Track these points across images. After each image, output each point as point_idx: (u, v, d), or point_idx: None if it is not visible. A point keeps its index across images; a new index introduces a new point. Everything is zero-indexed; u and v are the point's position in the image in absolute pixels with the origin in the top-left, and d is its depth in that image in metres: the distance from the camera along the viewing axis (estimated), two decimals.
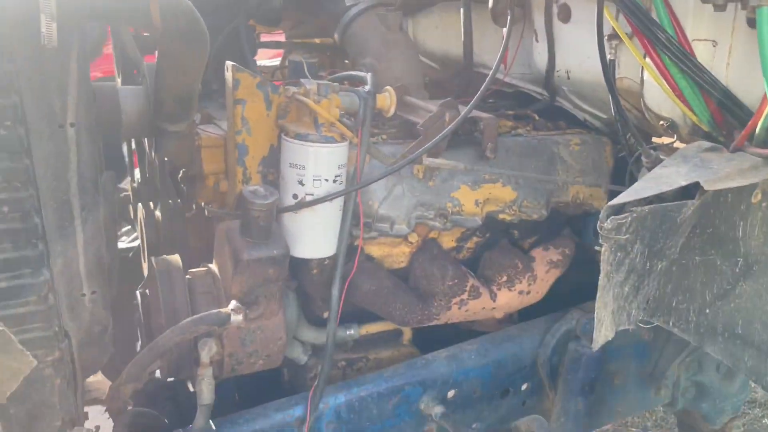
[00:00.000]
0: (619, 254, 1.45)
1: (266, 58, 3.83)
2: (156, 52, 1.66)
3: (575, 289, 2.38)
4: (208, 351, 1.63)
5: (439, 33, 2.77)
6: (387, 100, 1.78)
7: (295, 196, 1.70)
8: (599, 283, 1.47)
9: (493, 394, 2.11)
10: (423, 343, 2.27)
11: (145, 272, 2.37)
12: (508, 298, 2.14)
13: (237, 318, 1.58)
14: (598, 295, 1.48)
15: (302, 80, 1.72)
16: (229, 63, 1.72)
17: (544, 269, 2.17)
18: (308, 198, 1.69)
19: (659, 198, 1.47)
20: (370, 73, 1.79)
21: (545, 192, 2.12)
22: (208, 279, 1.72)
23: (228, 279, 1.69)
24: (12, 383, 1.22)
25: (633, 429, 3.52)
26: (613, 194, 2.25)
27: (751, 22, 1.49)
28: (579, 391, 2.07)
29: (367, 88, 1.74)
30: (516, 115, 2.32)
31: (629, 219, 1.40)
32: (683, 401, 2.44)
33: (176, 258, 1.77)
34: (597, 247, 1.44)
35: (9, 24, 1.31)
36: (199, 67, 1.60)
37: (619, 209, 1.44)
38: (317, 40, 3.24)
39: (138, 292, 2.38)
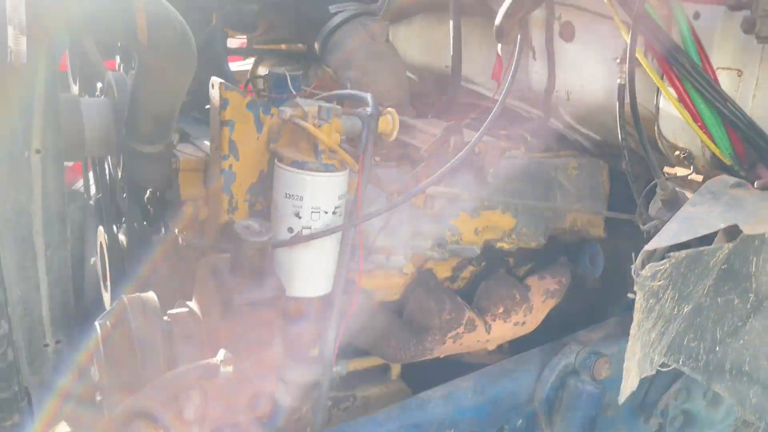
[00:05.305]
0: (650, 301, 1.35)
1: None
2: (133, 65, 1.46)
3: (566, 317, 2.30)
4: (192, 405, 1.44)
5: (420, 43, 2.63)
6: (390, 123, 1.63)
7: (290, 230, 1.53)
8: (630, 332, 1.36)
9: None
10: (408, 374, 2.14)
11: (106, 301, 2.14)
12: (503, 330, 2.03)
13: (227, 370, 1.40)
14: (628, 345, 1.37)
15: (299, 100, 1.54)
16: (215, 80, 1.52)
17: (541, 299, 2.07)
18: (305, 232, 1.52)
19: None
20: (370, 94, 1.63)
21: (543, 219, 2.02)
22: (190, 321, 1.53)
23: (213, 321, 1.50)
24: None
25: None
26: (610, 221, 2.17)
27: None
28: (579, 429, 1.98)
29: (369, 110, 1.58)
30: (507, 135, 2.20)
31: (667, 265, 1.29)
32: (671, 430, 2.38)
33: (152, 296, 1.57)
34: (630, 295, 1.33)
35: None
36: (184, 85, 1.41)
37: (652, 253, 1.33)
38: (284, 47, 3.05)
39: (97, 323, 2.15)
